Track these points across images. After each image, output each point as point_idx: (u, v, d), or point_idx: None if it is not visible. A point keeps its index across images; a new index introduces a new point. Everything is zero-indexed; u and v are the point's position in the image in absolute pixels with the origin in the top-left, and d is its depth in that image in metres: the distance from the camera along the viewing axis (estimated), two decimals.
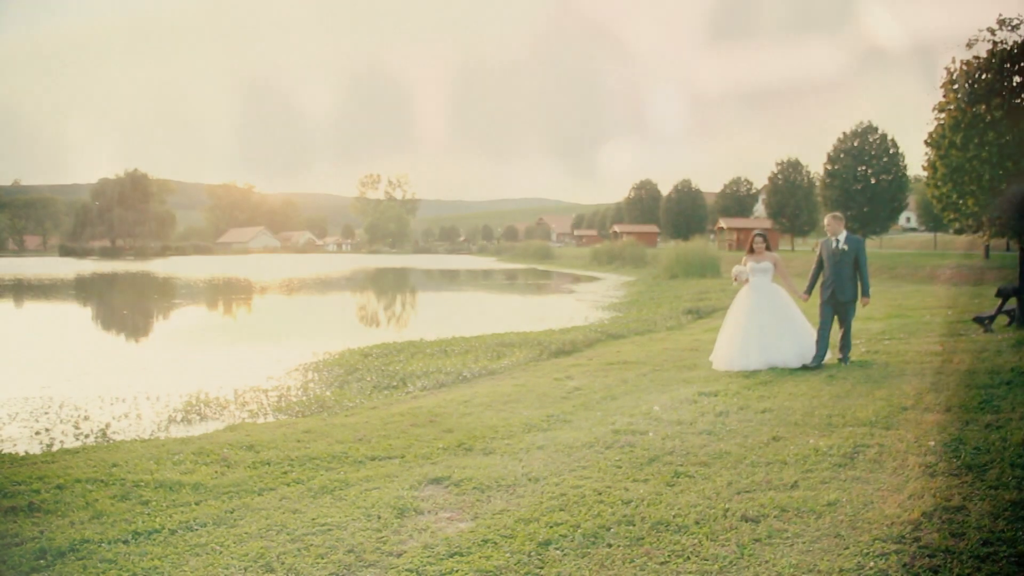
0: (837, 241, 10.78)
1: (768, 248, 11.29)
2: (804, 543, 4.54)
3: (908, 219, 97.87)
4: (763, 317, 10.85)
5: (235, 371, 14.73)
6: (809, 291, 11.26)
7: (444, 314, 28.96)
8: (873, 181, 47.35)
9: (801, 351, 10.73)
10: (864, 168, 47.68)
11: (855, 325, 11.22)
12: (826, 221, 11.12)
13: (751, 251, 11.30)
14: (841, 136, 49.10)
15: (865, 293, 10.78)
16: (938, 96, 31.38)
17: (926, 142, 32.02)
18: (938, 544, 4.41)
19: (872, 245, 56.53)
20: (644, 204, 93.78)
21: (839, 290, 10.70)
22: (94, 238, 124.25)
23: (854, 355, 11.06)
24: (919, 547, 4.40)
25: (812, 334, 10.87)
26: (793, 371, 10.33)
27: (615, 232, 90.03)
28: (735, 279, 11.31)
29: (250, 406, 11.40)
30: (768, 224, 64.36)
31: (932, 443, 6.25)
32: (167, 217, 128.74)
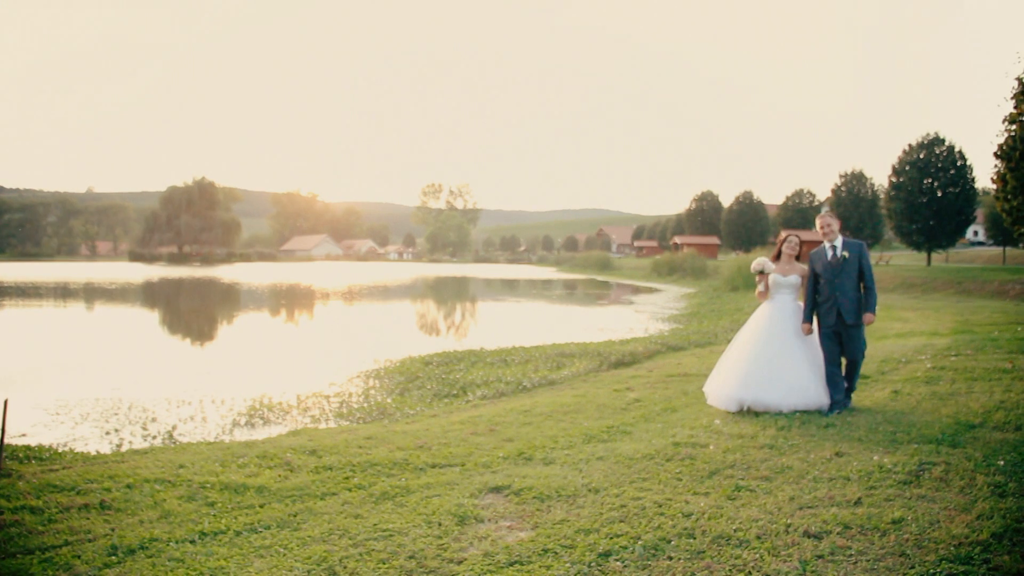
0: (834, 248, 8.60)
1: (799, 257, 9.17)
2: (868, 561, 4.46)
3: (976, 232, 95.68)
4: (780, 349, 8.63)
5: (297, 376, 14.97)
6: (810, 318, 8.75)
7: (504, 323, 29.04)
8: (939, 194, 46.29)
9: (824, 396, 8.55)
10: (930, 181, 46.67)
11: (913, 343, 10.74)
12: (818, 223, 8.83)
13: (778, 257, 9.11)
14: (907, 148, 48.17)
15: (870, 309, 8.51)
16: (1009, 107, 30.80)
17: (996, 154, 31.43)
18: (1009, 567, 4.30)
19: (938, 259, 55.30)
20: (705, 215, 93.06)
21: (844, 310, 8.41)
22: (162, 244, 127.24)
23: (909, 375, 10.73)
24: (989, 569, 4.30)
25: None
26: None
27: (675, 243, 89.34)
28: (758, 276, 9.09)
29: (312, 411, 11.58)
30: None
31: (1002, 462, 6.09)
32: (233, 224, 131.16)
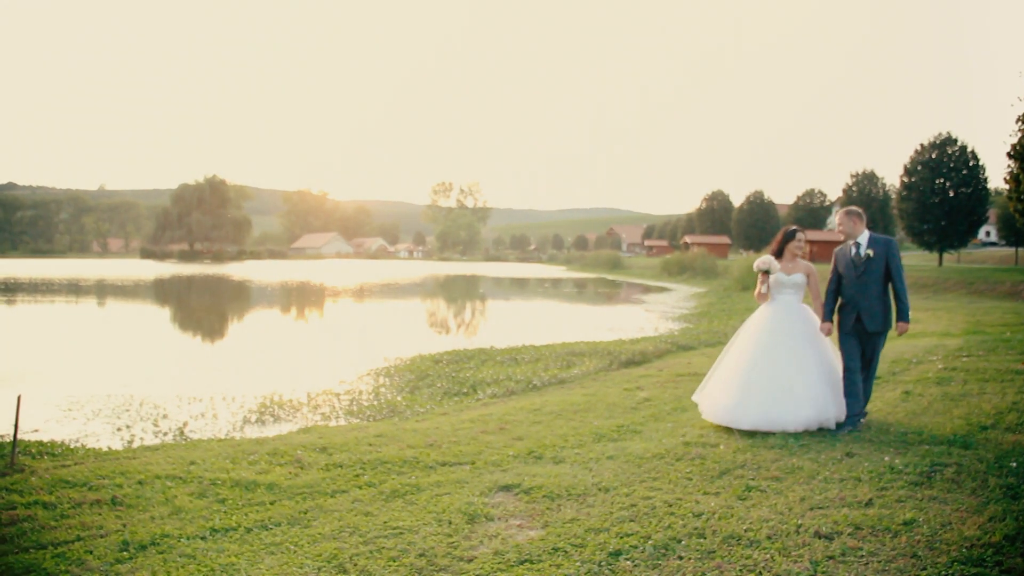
0: (858, 246, 7.78)
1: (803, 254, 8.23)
2: (879, 562, 4.44)
3: (988, 233, 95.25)
4: (787, 355, 7.68)
5: (307, 374, 14.99)
6: (830, 318, 7.96)
7: (514, 322, 29.01)
8: (951, 194, 46.08)
9: (836, 410, 7.67)
10: (942, 181, 46.46)
11: (924, 343, 10.55)
12: (838, 219, 7.96)
13: (779, 254, 8.24)
14: (919, 148, 47.97)
15: (902, 317, 7.57)
16: (1022, 107, 30.67)
17: (1009, 154, 31.30)
18: (1021, 569, 4.27)
19: (949, 259, 54.99)
20: (715, 215, 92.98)
21: (867, 315, 7.59)
22: (173, 241, 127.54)
23: (920, 375, 10.68)
24: (1001, 571, 4.27)
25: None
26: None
27: (686, 243, 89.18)
28: (761, 275, 8.18)
29: (322, 409, 11.59)
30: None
31: (1014, 464, 6.05)
32: (243, 222, 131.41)
